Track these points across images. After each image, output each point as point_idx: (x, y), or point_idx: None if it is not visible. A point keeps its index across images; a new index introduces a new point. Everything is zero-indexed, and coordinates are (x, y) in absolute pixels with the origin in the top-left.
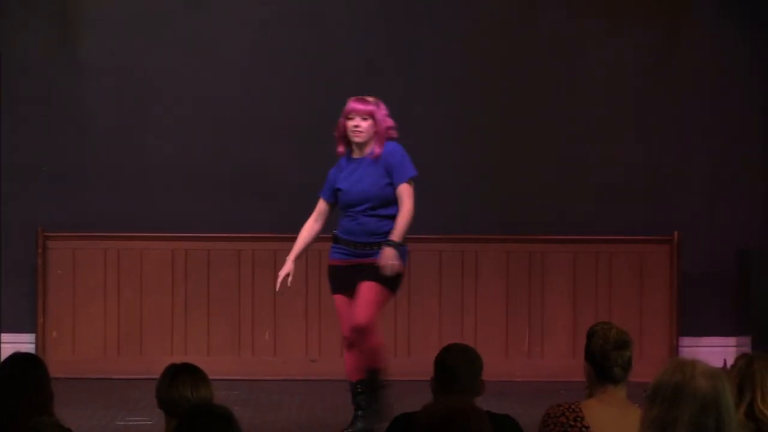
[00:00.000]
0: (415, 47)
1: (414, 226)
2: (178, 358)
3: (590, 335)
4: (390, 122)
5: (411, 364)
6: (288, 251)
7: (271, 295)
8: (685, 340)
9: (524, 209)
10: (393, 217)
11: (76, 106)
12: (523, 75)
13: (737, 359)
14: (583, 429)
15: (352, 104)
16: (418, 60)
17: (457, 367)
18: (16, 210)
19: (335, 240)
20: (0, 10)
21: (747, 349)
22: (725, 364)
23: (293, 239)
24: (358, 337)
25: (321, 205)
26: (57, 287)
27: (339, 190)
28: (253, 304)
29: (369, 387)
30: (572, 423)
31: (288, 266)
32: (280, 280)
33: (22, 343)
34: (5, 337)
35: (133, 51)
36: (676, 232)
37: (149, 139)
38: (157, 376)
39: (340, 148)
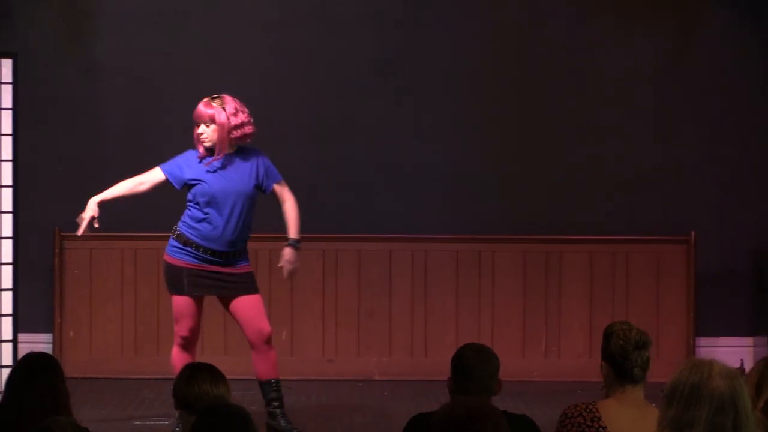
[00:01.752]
0: (429, 47)
1: (430, 225)
2: (195, 358)
3: (608, 335)
4: (237, 120)
5: (428, 364)
6: (304, 250)
7: (287, 294)
8: (702, 340)
9: (541, 209)
10: (249, 227)
11: (91, 106)
12: (538, 75)
13: (758, 362)
14: (600, 429)
15: (197, 109)
16: (432, 60)
17: (473, 366)
18: (33, 210)
19: (184, 241)
20: (15, 11)
21: (764, 349)
22: (742, 364)
23: (308, 239)
24: (265, 347)
25: (159, 177)
26: (74, 287)
27: (197, 183)
28: (269, 304)
29: (274, 395)
30: (589, 423)
31: (93, 209)
32: (85, 223)
33: (39, 342)
34: (22, 337)
35: (147, 52)
36: (692, 232)
37: (163, 139)
38: (173, 376)
39: (201, 150)
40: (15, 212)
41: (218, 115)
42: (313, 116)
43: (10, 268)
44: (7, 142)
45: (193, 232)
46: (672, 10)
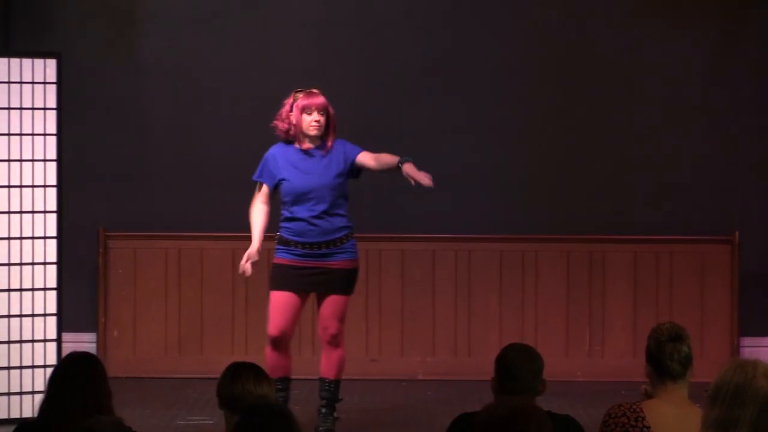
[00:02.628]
0: (474, 47)
1: (474, 225)
2: (239, 358)
3: (648, 336)
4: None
5: (471, 364)
6: None
7: None
8: (746, 341)
9: (584, 209)
10: (342, 215)
11: (135, 106)
12: (583, 74)
13: None
14: (644, 429)
15: (308, 99)
16: (476, 60)
17: (517, 366)
18: (78, 210)
19: (283, 242)
20: (59, 11)
21: None
22: None
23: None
24: (328, 346)
25: (264, 190)
26: (118, 287)
27: (284, 180)
28: (313, 304)
29: (333, 397)
30: (633, 423)
31: (256, 248)
32: (247, 261)
33: (84, 342)
34: (67, 336)
35: (191, 51)
36: (736, 232)
37: (208, 139)
38: (217, 375)
39: (285, 143)
40: (59, 212)
41: (329, 105)
42: (358, 116)
43: (54, 267)
44: (52, 142)
45: (286, 232)
46: (717, 9)
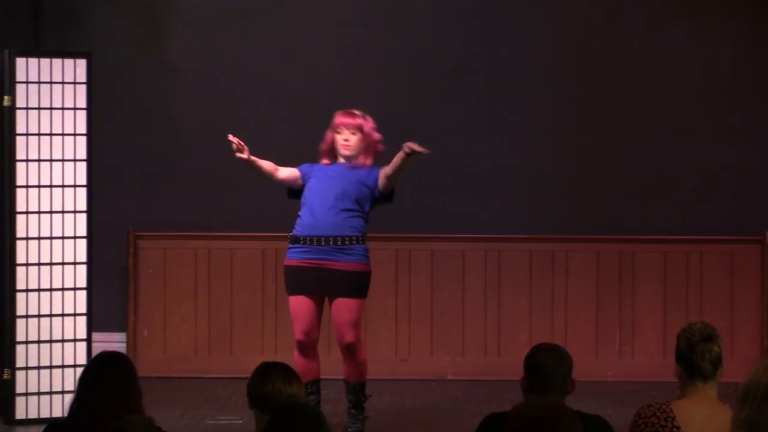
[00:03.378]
0: (503, 47)
1: (504, 225)
2: (268, 357)
3: (678, 336)
4: (378, 136)
5: (501, 364)
6: (377, 250)
7: None
8: None
9: (614, 209)
10: (359, 216)
11: (165, 106)
12: (611, 75)
13: None
14: (674, 429)
15: (341, 118)
16: (506, 60)
17: (546, 366)
18: (107, 210)
19: (294, 240)
20: (89, 12)
21: None
22: None
23: (381, 238)
24: (346, 354)
25: (292, 169)
26: (148, 287)
27: (310, 179)
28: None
29: (359, 399)
30: (663, 423)
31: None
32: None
33: (114, 342)
34: (97, 336)
35: (221, 51)
36: (766, 232)
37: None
38: (247, 375)
39: (325, 161)
40: (89, 212)
41: (365, 125)
42: (388, 116)
43: (84, 267)
44: (82, 142)
45: (298, 227)
46: (748, 9)
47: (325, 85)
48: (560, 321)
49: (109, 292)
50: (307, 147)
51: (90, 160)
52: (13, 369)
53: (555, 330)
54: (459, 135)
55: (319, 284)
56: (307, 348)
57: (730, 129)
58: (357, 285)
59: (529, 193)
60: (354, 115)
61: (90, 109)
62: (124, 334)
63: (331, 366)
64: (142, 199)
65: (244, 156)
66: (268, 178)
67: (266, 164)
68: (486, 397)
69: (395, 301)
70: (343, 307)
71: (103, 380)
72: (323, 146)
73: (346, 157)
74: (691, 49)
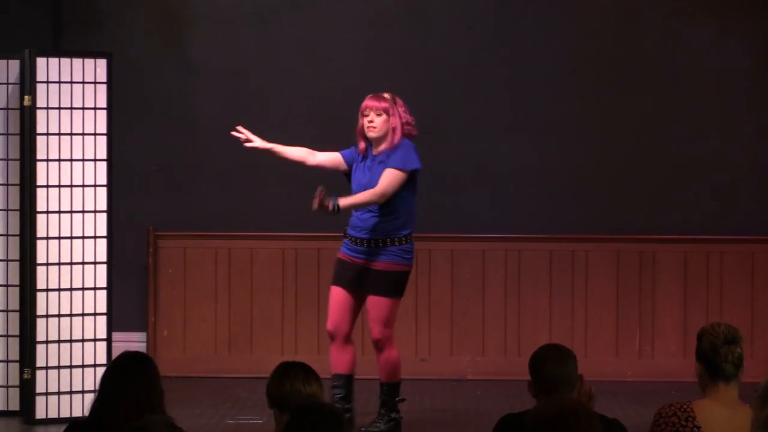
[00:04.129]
0: (524, 46)
1: (524, 225)
2: (288, 357)
3: (700, 336)
4: (409, 118)
5: (521, 364)
6: None
7: None
8: None
9: (634, 209)
10: (394, 216)
11: (185, 106)
12: (633, 74)
13: None
14: (695, 429)
15: (367, 101)
16: (526, 60)
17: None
18: (128, 210)
19: (345, 235)
20: (109, 12)
21: None
22: None
23: None
24: (377, 350)
25: (334, 154)
26: (168, 286)
27: (349, 175)
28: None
29: (390, 400)
30: (684, 423)
31: (263, 141)
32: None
33: (134, 342)
34: (117, 336)
35: (241, 50)
36: None
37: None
38: (266, 375)
39: (361, 145)
40: (109, 212)
41: (391, 108)
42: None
43: (104, 267)
44: (102, 141)
45: (348, 224)
46: (766, 8)
47: (344, 84)
48: (580, 321)
49: (129, 291)
50: (326, 146)
51: (110, 160)
52: (34, 369)
53: (575, 330)
54: (479, 134)
55: (356, 280)
56: (337, 338)
57: (750, 129)
58: (390, 284)
59: (549, 192)
60: (381, 98)
61: (110, 108)
62: (144, 333)
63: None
64: (163, 199)
65: (256, 145)
66: (300, 163)
67: (293, 150)
68: (506, 397)
69: (415, 300)
70: (374, 305)
71: (126, 380)
72: (357, 130)
73: (373, 139)
74: (711, 48)
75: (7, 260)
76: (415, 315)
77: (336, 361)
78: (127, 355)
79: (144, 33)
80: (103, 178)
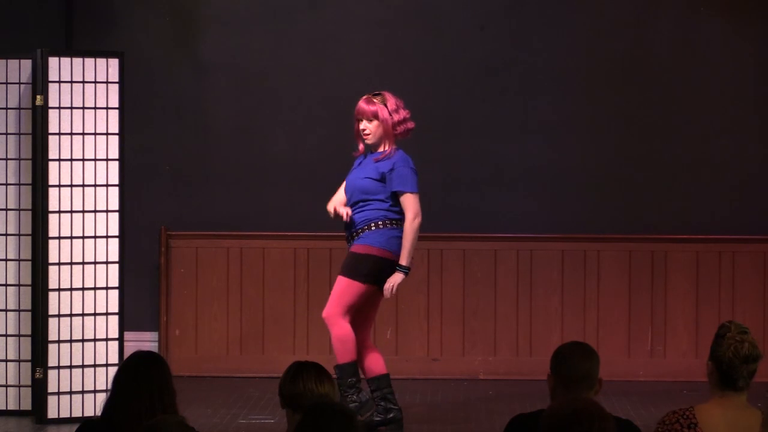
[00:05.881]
0: (536, 46)
1: (536, 225)
2: (300, 357)
3: (721, 336)
4: (399, 116)
5: (533, 364)
6: None
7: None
8: None
9: (646, 208)
10: (371, 208)
11: (197, 105)
12: (644, 74)
13: None
14: None
15: (359, 105)
16: (539, 59)
17: (573, 357)
18: (140, 209)
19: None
20: (121, 11)
21: None
22: None
23: None
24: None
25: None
26: (180, 286)
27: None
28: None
29: (342, 381)
30: (686, 430)
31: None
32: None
33: (145, 341)
34: (128, 335)
35: (253, 50)
36: None
37: (270, 138)
38: (278, 374)
39: (360, 147)
40: (121, 211)
41: (381, 112)
42: (421, 116)
43: (116, 267)
44: (114, 141)
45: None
46: None
47: (357, 84)
48: (592, 320)
49: (141, 291)
50: (339, 147)
51: (122, 160)
52: (46, 368)
53: (587, 329)
54: (491, 134)
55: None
56: (357, 332)
57: (762, 128)
58: (355, 265)
59: (560, 192)
60: (370, 102)
61: (122, 108)
62: (156, 333)
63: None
64: (175, 199)
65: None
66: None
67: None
68: (518, 396)
69: (427, 300)
70: (336, 283)
71: (138, 380)
72: (355, 133)
73: (370, 146)
74: (723, 48)
75: (19, 260)
76: (427, 314)
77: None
78: (139, 355)
79: (156, 33)
80: (115, 178)
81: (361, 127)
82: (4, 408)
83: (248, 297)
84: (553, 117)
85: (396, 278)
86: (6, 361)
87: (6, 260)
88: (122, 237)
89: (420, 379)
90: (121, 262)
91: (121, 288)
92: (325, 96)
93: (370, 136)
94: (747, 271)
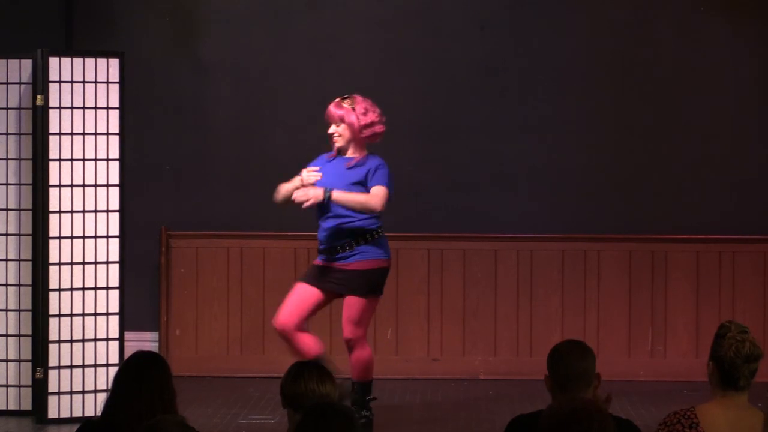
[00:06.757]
0: (536, 47)
1: (536, 225)
2: (301, 357)
3: (721, 336)
4: (366, 120)
5: (533, 364)
6: (409, 249)
7: (392, 294)
8: None
9: (646, 208)
10: (362, 218)
11: (197, 105)
12: (644, 74)
13: None
14: None
15: (327, 110)
16: (538, 59)
17: (569, 356)
18: (140, 209)
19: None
20: (122, 11)
21: None
22: None
23: (413, 238)
24: (348, 349)
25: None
26: (180, 286)
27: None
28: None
29: (360, 398)
30: (687, 430)
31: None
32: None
33: (146, 341)
34: (129, 335)
35: (253, 50)
36: None
37: (270, 138)
38: (278, 374)
39: (334, 149)
40: (121, 211)
41: (348, 115)
42: (421, 116)
43: (116, 266)
44: (114, 141)
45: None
46: None
47: (357, 84)
48: (592, 320)
49: (142, 291)
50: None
51: (122, 160)
52: (46, 368)
53: (587, 329)
54: (491, 134)
55: (330, 280)
56: (283, 336)
57: (763, 128)
58: (363, 283)
59: (561, 192)
60: (339, 105)
61: (122, 108)
62: (157, 333)
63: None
64: (175, 199)
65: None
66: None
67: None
68: (518, 396)
69: (427, 300)
70: (347, 305)
71: (139, 380)
72: (329, 136)
73: (341, 150)
74: (722, 48)
75: (19, 260)
76: (427, 315)
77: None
78: (140, 355)
79: (156, 32)
80: (115, 178)
81: (330, 131)
82: (5, 408)
83: (248, 297)
84: (553, 117)
85: (317, 193)
86: (6, 361)
87: (6, 260)
88: (122, 237)
89: (420, 379)
90: (122, 262)
91: (122, 288)
92: (325, 96)
93: (339, 140)
94: (747, 271)
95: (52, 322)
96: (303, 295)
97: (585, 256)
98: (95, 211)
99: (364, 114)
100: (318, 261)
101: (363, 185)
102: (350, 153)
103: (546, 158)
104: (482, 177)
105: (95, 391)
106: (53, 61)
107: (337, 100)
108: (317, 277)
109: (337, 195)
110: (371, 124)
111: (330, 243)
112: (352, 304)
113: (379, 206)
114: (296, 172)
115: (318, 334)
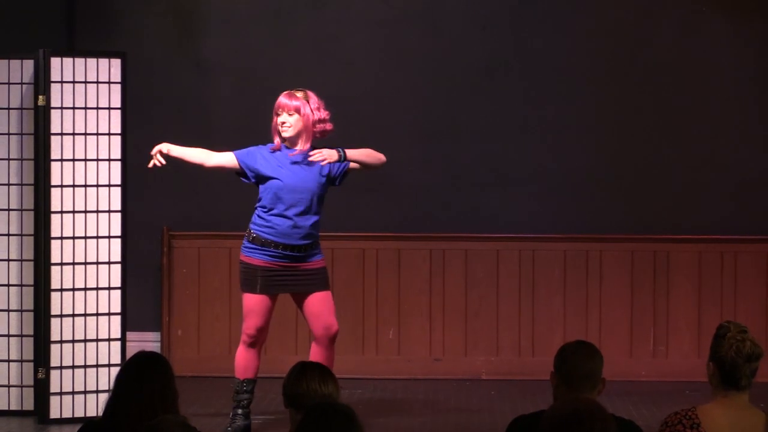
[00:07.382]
0: (538, 46)
1: (538, 225)
2: (302, 357)
3: (720, 336)
4: (320, 115)
5: (535, 364)
6: (411, 249)
7: (394, 294)
8: None
9: (649, 209)
10: (317, 216)
11: (199, 105)
12: (646, 73)
13: None
14: None
15: (280, 100)
16: (541, 59)
17: (577, 356)
18: (142, 210)
19: (259, 242)
20: (124, 11)
21: None
22: None
23: (415, 238)
24: (329, 344)
25: (229, 158)
26: (182, 286)
27: (271, 179)
28: (376, 303)
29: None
30: (689, 430)
31: (166, 146)
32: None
33: (148, 341)
34: (131, 335)
35: (255, 50)
36: None
37: (271, 138)
38: (280, 374)
39: (276, 143)
40: (123, 211)
41: (303, 107)
42: (422, 116)
43: (118, 267)
44: (116, 141)
45: (268, 231)
46: None
47: (359, 84)
48: (594, 321)
49: (144, 291)
50: (339, 146)
51: (124, 160)
52: (48, 368)
53: (589, 330)
54: (493, 134)
55: (287, 284)
56: (257, 344)
57: (765, 129)
58: (326, 278)
59: (563, 192)
60: (293, 96)
61: (124, 108)
62: (159, 333)
63: (365, 366)
64: (177, 199)
65: (162, 160)
66: (199, 165)
67: (193, 153)
68: (520, 397)
69: (429, 300)
70: (324, 300)
71: (141, 380)
72: (272, 128)
73: (286, 139)
74: (724, 48)
75: (21, 260)
76: (429, 315)
77: (249, 365)
78: (142, 355)
79: (158, 33)
80: (117, 178)
81: (281, 120)
82: (7, 408)
83: None
84: (554, 117)
85: (332, 153)
86: (8, 361)
87: (8, 260)
88: (124, 237)
89: (422, 380)
90: (124, 263)
91: (124, 288)
92: (326, 96)
93: (290, 129)
94: (749, 272)
95: (54, 323)
96: (267, 309)
97: (587, 256)
98: (97, 212)
99: (318, 109)
100: (261, 261)
101: (330, 180)
102: (297, 146)
103: (548, 158)
104: (484, 177)
105: (97, 392)
106: (55, 61)
107: (288, 91)
108: (276, 286)
109: (351, 152)
110: (323, 121)
111: (300, 240)
112: (326, 299)
113: (383, 156)
114: None
115: (305, 341)
